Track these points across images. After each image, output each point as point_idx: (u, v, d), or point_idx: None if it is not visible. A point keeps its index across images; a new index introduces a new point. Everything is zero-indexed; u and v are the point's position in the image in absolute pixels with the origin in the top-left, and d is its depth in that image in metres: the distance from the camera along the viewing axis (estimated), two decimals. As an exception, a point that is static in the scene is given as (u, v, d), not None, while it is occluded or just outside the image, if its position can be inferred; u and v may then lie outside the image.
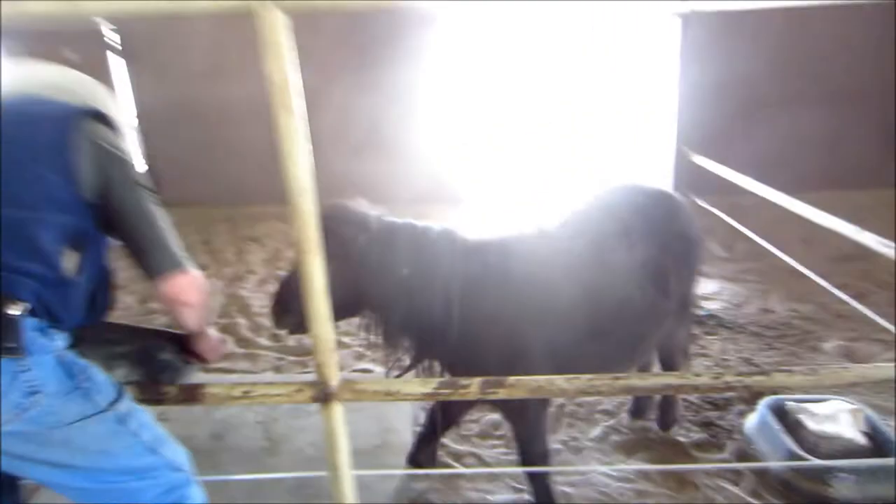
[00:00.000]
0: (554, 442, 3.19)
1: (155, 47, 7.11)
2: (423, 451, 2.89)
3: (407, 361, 2.44)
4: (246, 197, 7.15)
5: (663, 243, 2.57)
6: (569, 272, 2.41)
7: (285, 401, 1.71)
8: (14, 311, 1.38)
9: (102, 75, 7.17)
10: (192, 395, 1.73)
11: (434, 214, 5.35)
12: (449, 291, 2.29)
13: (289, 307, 2.30)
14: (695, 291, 2.77)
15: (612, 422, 3.36)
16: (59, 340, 1.48)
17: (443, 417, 2.79)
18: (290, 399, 1.67)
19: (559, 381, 1.64)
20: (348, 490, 1.73)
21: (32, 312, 1.42)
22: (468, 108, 7.18)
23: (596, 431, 3.29)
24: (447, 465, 2.99)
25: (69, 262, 1.53)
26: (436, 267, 2.29)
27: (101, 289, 1.70)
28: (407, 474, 2.88)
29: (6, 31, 6.32)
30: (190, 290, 1.67)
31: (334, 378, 1.61)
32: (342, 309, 2.36)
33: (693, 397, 3.43)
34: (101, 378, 1.55)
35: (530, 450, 2.59)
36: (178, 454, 1.70)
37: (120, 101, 1.92)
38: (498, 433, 3.28)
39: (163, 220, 1.67)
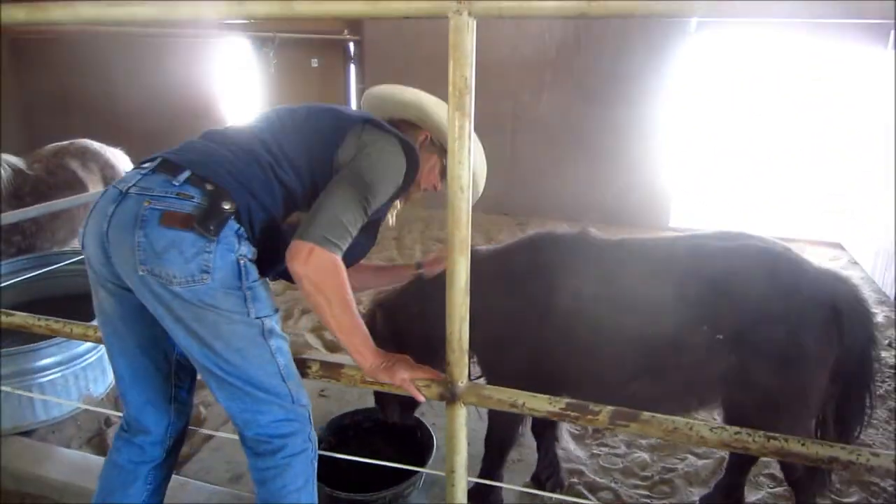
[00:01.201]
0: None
1: (383, 55, 7.74)
2: (543, 470, 2.89)
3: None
4: (441, 201, 7.50)
5: (705, 290, 2.22)
6: (583, 275, 2.32)
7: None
8: (226, 206, 1.61)
9: (340, 80, 8.05)
10: (332, 372, 1.83)
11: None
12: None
13: (386, 407, 2.67)
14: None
15: (778, 489, 2.98)
16: (245, 248, 1.65)
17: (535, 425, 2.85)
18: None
19: (701, 427, 1.50)
20: (461, 493, 1.72)
21: (238, 218, 1.64)
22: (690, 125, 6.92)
23: (757, 496, 2.95)
24: (580, 495, 2.85)
25: (290, 217, 1.79)
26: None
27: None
28: (528, 492, 2.81)
29: (263, 37, 7.29)
30: (301, 258, 1.57)
31: (462, 379, 1.61)
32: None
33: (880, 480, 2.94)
34: (264, 294, 1.68)
35: (489, 436, 2.65)
36: (303, 395, 1.76)
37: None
38: (644, 474, 3.07)
39: (342, 207, 1.63)
